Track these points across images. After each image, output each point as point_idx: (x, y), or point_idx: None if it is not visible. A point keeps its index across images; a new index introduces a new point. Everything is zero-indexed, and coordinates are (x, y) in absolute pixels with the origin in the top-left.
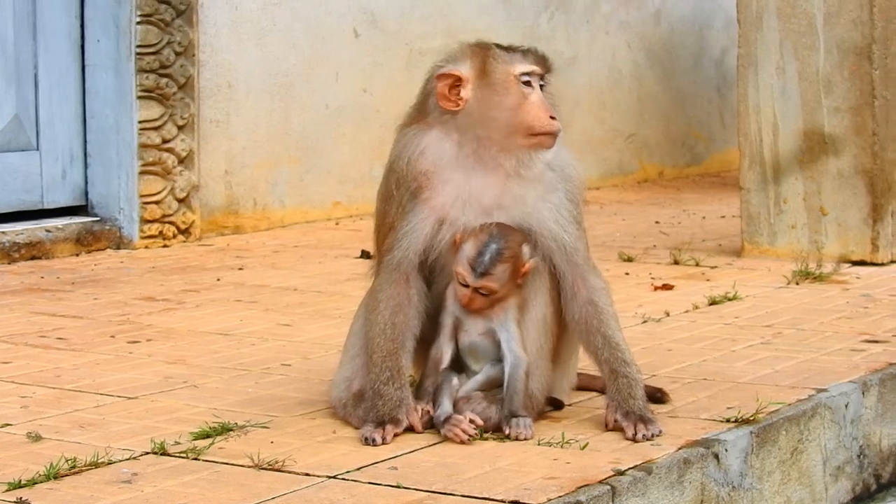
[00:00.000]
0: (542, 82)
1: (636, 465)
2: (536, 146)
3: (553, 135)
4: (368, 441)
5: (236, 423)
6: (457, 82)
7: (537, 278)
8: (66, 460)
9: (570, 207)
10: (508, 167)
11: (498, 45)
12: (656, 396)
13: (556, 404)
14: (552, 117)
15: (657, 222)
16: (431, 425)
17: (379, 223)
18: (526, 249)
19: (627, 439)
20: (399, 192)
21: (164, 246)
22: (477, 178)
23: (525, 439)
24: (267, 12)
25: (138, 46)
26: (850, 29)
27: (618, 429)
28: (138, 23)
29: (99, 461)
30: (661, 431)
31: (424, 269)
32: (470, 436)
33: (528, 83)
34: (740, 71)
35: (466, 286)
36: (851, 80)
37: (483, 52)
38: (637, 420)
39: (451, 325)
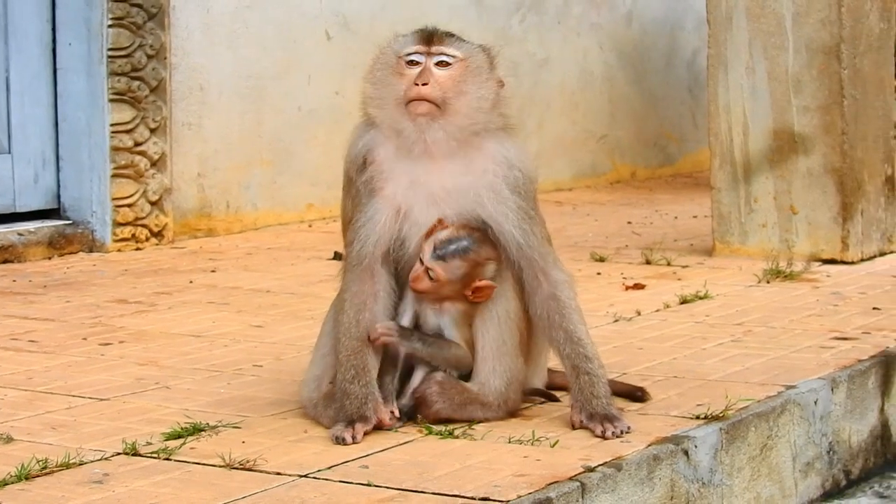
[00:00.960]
0: (439, 59)
1: (606, 462)
2: (412, 115)
3: (420, 100)
4: (339, 440)
5: (208, 424)
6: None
7: (501, 276)
8: (38, 461)
9: (518, 202)
10: (412, 146)
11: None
12: (636, 395)
13: (550, 397)
14: (419, 83)
15: (629, 222)
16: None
17: (342, 218)
18: (490, 268)
19: (596, 437)
20: (353, 184)
21: (137, 249)
22: (419, 168)
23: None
24: (239, 15)
25: (110, 49)
26: (818, 28)
27: (584, 429)
28: (110, 26)
29: (70, 462)
30: (629, 428)
31: (390, 263)
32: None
33: (413, 62)
34: (710, 71)
35: (422, 263)
36: (820, 80)
37: (388, 40)
38: (602, 420)
39: (408, 321)
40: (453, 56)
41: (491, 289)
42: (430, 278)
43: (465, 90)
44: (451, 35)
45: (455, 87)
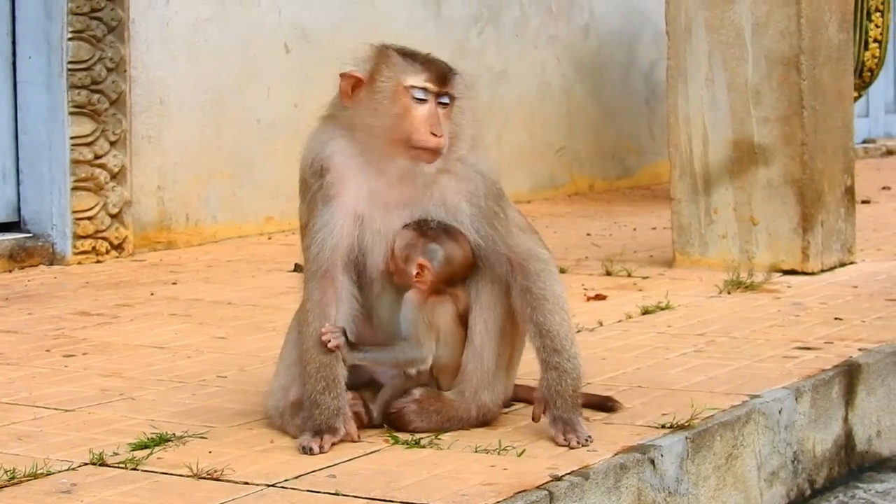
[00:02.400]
0: (443, 100)
1: (573, 471)
2: (415, 158)
3: (432, 150)
4: (306, 450)
5: (174, 434)
6: (358, 83)
7: (489, 280)
8: (5, 472)
9: (477, 203)
10: (391, 173)
11: (402, 51)
12: (607, 405)
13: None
14: (435, 133)
15: (588, 234)
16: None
17: (300, 222)
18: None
19: (560, 445)
20: (308, 188)
21: (98, 262)
22: (371, 177)
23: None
24: (198, 28)
25: (70, 63)
26: (778, 40)
27: (545, 431)
28: (70, 39)
29: (38, 472)
30: (590, 437)
31: (351, 270)
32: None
33: (419, 98)
34: (670, 82)
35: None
36: (780, 91)
37: (382, 56)
38: (564, 427)
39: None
40: (454, 95)
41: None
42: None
43: (458, 132)
44: (452, 71)
45: (453, 129)
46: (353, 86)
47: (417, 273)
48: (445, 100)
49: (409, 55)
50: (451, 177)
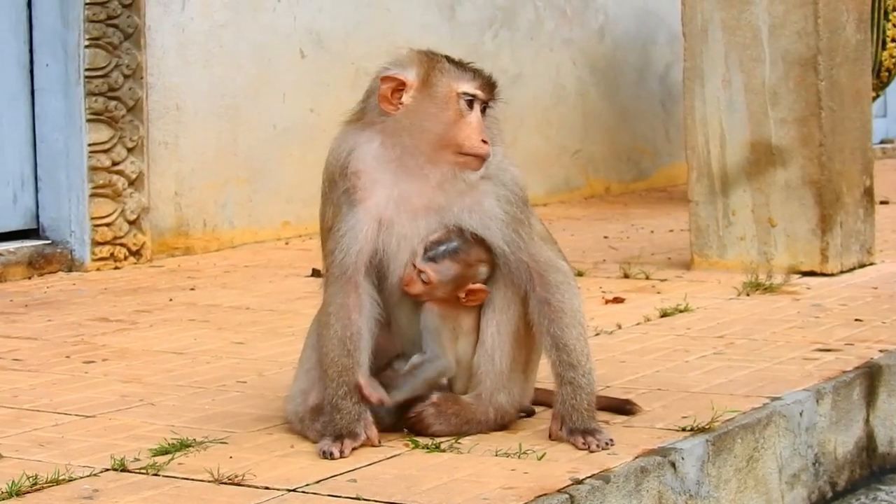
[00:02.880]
0: (485, 106)
1: (594, 474)
2: (463, 165)
3: (481, 158)
4: (326, 455)
5: (194, 440)
6: (400, 87)
7: (503, 283)
8: (28, 478)
9: (507, 209)
10: (432, 178)
11: (449, 59)
12: (625, 409)
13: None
14: (484, 141)
15: (606, 237)
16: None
17: (321, 226)
18: (482, 269)
19: (580, 450)
20: (333, 191)
21: (116, 268)
22: (404, 182)
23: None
24: (213, 34)
25: (87, 70)
26: (795, 40)
27: (564, 442)
28: (86, 46)
29: (60, 478)
30: (611, 440)
31: (373, 275)
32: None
33: (469, 103)
34: (686, 84)
35: (414, 267)
36: (797, 92)
37: (431, 62)
38: (583, 433)
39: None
40: (494, 102)
41: (484, 293)
42: (423, 281)
43: (494, 137)
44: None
45: (491, 137)
46: (394, 89)
47: (424, 282)
48: (488, 107)
49: (455, 62)
50: (484, 183)
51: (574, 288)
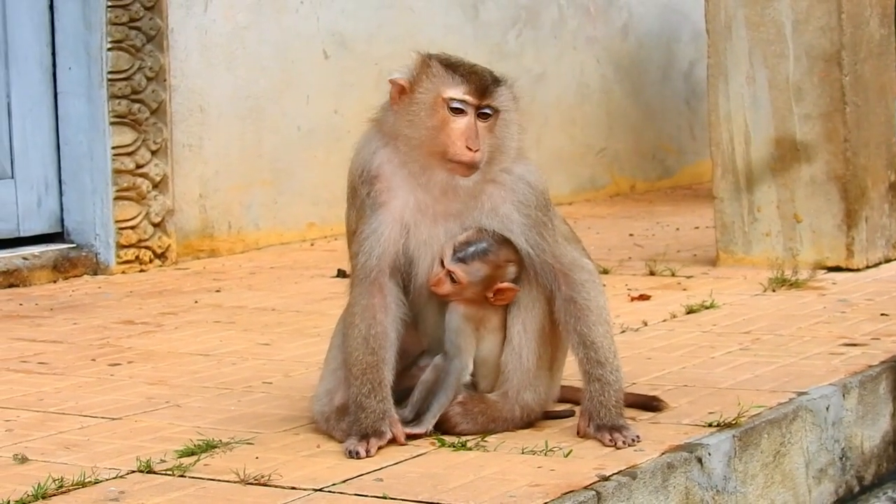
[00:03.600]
0: (485, 111)
1: (621, 471)
2: (451, 171)
3: (467, 165)
4: (352, 454)
5: (220, 441)
6: (401, 91)
7: (528, 282)
8: (54, 480)
9: (528, 213)
10: (435, 185)
11: (445, 62)
12: (652, 405)
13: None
14: (470, 147)
15: (631, 235)
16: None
17: (347, 228)
18: (511, 269)
19: (607, 446)
20: (356, 195)
21: (141, 271)
22: (417, 187)
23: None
24: (236, 36)
25: (110, 73)
26: (818, 36)
27: (591, 438)
28: (109, 49)
29: (86, 481)
30: (638, 437)
31: (397, 277)
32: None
33: (458, 110)
34: (710, 81)
35: (443, 266)
36: (822, 87)
37: (424, 65)
38: (610, 430)
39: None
40: (496, 108)
41: (513, 291)
42: (452, 281)
43: (501, 144)
44: (496, 82)
45: (494, 142)
46: (399, 92)
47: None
48: (488, 111)
49: (451, 66)
50: (500, 187)
51: (599, 286)
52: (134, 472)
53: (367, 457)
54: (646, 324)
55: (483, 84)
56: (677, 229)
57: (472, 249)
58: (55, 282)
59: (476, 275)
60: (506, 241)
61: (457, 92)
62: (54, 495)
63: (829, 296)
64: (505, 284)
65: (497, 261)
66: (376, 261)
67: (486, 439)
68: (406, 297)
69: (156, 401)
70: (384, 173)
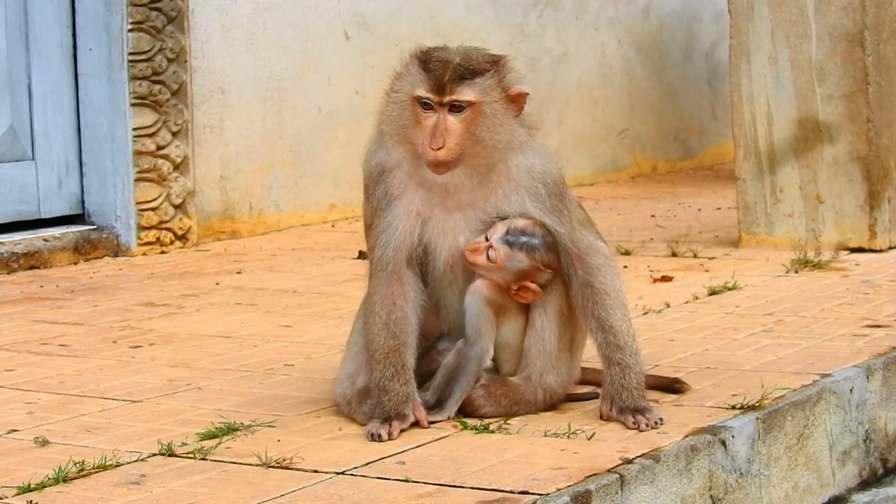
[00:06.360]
0: (456, 105)
1: (644, 454)
2: (429, 167)
3: (432, 163)
4: (374, 437)
5: (242, 423)
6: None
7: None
8: (75, 463)
9: (544, 200)
10: (431, 178)
11: (424, 57)
12: (674, 387)
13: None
14: (433, 147)
15: (653, 216)
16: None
17: (364, 222)
18: (545, 276)
19: (630, 429)
20: (371, 192)
21: (162, 252)
22: (422, 182)
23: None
24: (257, 17)
25: (130, 54)
26: (841, 16)
27: (614, 421)
28: (130, 30)
29: (107, 464)
30: (661, 419)
31: (415, 266)
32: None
33: (427, 106)
34: (732, 61)
35: (487, 239)
36: (844, 67)
37: (404, 63)
38: (633, 412)
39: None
40: (466, 101)
41: (536, 295)
42: (489, 257)
43: (480, 136)
44: (465, 73)
45: (471, 136)
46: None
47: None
48: (456, 104)
49: (424, 61)
50: (505, 177)
51: (614, 269)
52: (155, 455)
53: (390, 440)
54: (668, 305)
55: (442, 80)
56: (699, 210)
57: (523, 239)
58: (76, 264)
59: (514, 264)
60: (553, 248)
61: (421, 89)
62: (75, 478)
63: (852, 277)
64: (532, 285)
65: (539, 261)
66: (393, 252)
67: (508, 422)
68: (425, 285)
69: (177, 383)
70: (394, 170)
